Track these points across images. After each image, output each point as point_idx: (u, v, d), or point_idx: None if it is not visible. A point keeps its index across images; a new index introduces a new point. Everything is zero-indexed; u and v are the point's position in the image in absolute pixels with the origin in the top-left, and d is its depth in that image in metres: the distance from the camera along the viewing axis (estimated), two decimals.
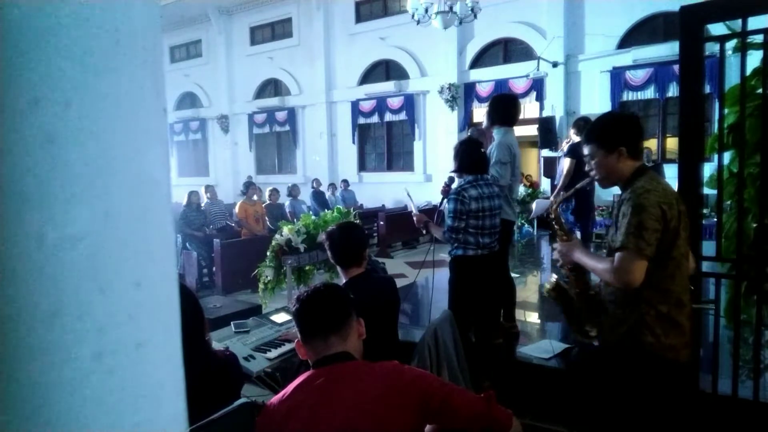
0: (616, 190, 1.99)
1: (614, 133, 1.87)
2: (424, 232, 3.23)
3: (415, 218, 3.23)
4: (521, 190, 8.29)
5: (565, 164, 5.06)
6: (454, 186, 3.16)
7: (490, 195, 3.05)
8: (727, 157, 2.82)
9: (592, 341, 2.04)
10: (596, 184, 2.08)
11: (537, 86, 10.22)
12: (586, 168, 1.99)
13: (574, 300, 2.04)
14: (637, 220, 1.69)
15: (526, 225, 8.01)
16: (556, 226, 2.10)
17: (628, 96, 9.51)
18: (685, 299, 1.78)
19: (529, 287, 5.31)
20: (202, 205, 8.01)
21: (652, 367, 1.76)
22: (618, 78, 9.47)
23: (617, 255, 1.71)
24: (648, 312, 1.75)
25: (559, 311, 2.14)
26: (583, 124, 4.93)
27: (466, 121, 11.34)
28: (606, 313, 1.91)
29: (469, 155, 3.06)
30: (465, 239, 3.02)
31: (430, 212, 3.41)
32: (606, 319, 1.91)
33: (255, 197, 7.98)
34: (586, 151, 1.95)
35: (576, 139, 5.04)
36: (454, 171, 3.16)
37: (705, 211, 6.41)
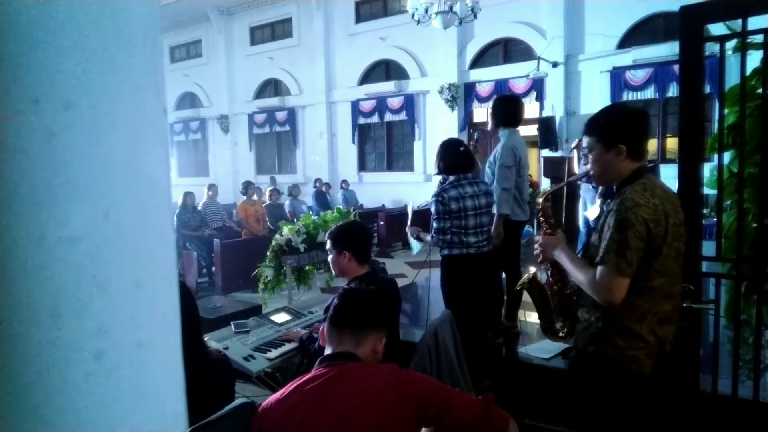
0: None
1: (616, 128, 1.73)
2: (417, 240, 3.29)
3: (408, 231, 3.31)
4: None
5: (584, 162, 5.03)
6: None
7: (473, 194, 3.06)
8: (727, 157, 2.82)
9: (562, 341, 1.99)
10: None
11: (537, 86, 10.21)
12: (583, 162, 1.93)
13: (550, 297, 1.97)
14: (621, 236, 1.60)
15: (527, 225, 8.01)
16: (542, 218, 1.99)
17: (628, 96, 9.50)
18: (651, 313, 1.68)
19: None
20: (199, 205, 8.01)
21: (615, 378, 1.70)
22: (618, 78, 9.46)
23: (599, 270, 1.64)
24: (611, 323, 1.69)
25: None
26: None
27: (466, 121, 11.34)
28: (577, 315, 1.87)
29: (448, 157, 3.12)
30: (450, 239, 3.05)
31: (427, 213, 3.43)
32: (577, 323, 1.85)
33: (255, 197, 7.98)
34: (584, 143, 1.82)
35: None
36: (436, 173, 3.22)
37: (705, 211, 6.41)
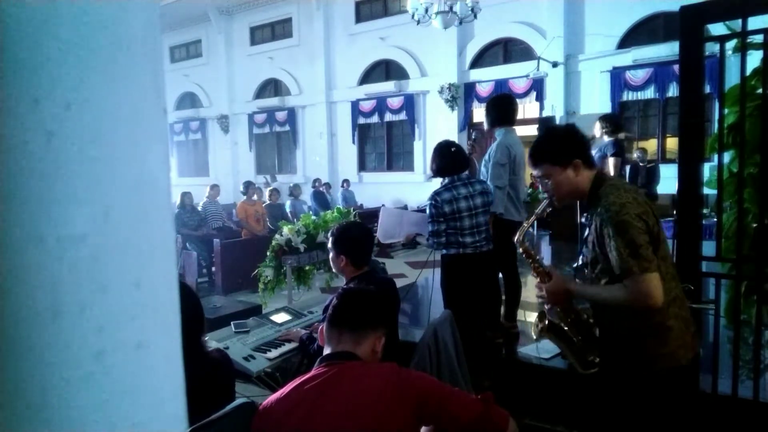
0: None
1: (565, 147, 1.78)
2: (415, 243, 3.35)
3: (405, 238, 3.37)
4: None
5: (611, 163, 4.97)
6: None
7: (468, 195, 3.08)
8: (727, 157, 2.82)
9: (596, 368, 1.88)
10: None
11: (537, 86, 10.22)
12: (541, 188, 1.87)
13: (569, 332, 1.88)
14: (626, 240, 1.59)
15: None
16: (528, 260, 1.92)
17: (628, 96, 9.51)
18: (668, 301, 1.66)
19: (529, 288, 5.31)
20: (199, 205, 8.03)
21: (654, 380, 1.69)
22: (618, 78, 9.46)
23: (626, 282, 1.62)
24: (639, 326, 1.68)
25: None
26: (607, 123, 4.96)
27: (466, 121, 11.35)
28: (600, 334, 1.83)
29: (438, 159, 3.15)
30: (447, 240, 3.09)
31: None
32: (602, 339, 1.82)
33: (255, 197, 7.98)
34: (536, 172, 1.83)
35: (605, 138, 4.98)
36: (432, 176, 3.25)
37: (705, 211, 6.41)
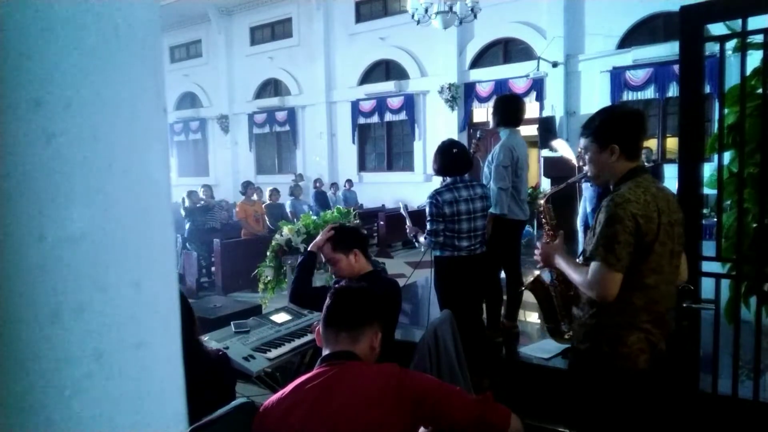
0: None
1: (609, 128, 1.76)
2: (415, 241, 3.29)
3: (407, 229, 3.31)
4: None
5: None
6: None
7: (468, 198, 3.04)
8: (727, 157, 2.82)
9: (568, 342, 2.00)
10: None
11: (537, 86, 10.21)
12: (580, 162, 1.95)
13: (554, 298, 2.00)
14: (610, 231, 1.62)
15: (527, 225, 8.02)
16: (544, 221, 2.05)
17: (628, 96, 9.50)
18: (644, 311, 1.68)
19: None
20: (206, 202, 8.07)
21: (610, 375, 1.72)
22: (618, 78, 9.46)
23: (591, 266, 1.66)
24: (605, 320, 1.71)
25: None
26: None
27: (466, 121, 11.34)
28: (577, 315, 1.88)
29: (440, 159, 3.12)
30: (443, 241, 3.05)
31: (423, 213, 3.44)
32: (573, 322, 1.88)
33: (254, 197, 7.98)
34: (581, 144, 1.86)
35: None
36: (435, 174, 3.23)
37: (705, 211, 6.40)
